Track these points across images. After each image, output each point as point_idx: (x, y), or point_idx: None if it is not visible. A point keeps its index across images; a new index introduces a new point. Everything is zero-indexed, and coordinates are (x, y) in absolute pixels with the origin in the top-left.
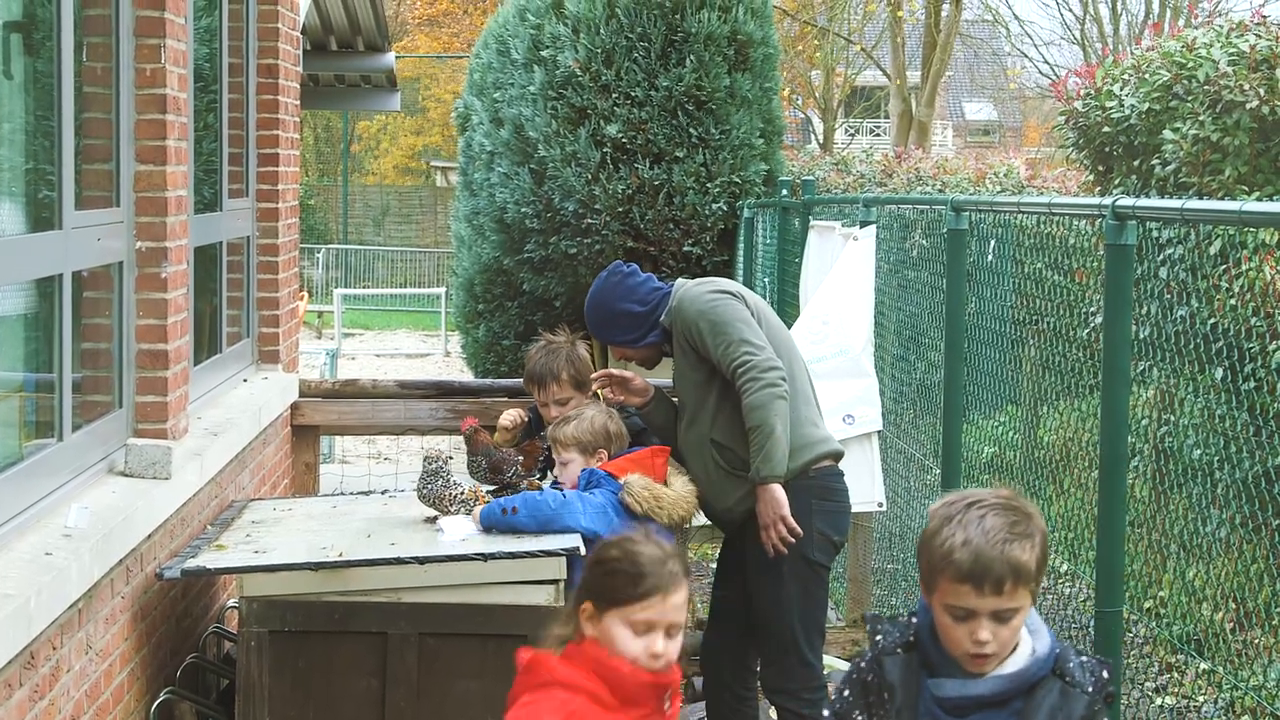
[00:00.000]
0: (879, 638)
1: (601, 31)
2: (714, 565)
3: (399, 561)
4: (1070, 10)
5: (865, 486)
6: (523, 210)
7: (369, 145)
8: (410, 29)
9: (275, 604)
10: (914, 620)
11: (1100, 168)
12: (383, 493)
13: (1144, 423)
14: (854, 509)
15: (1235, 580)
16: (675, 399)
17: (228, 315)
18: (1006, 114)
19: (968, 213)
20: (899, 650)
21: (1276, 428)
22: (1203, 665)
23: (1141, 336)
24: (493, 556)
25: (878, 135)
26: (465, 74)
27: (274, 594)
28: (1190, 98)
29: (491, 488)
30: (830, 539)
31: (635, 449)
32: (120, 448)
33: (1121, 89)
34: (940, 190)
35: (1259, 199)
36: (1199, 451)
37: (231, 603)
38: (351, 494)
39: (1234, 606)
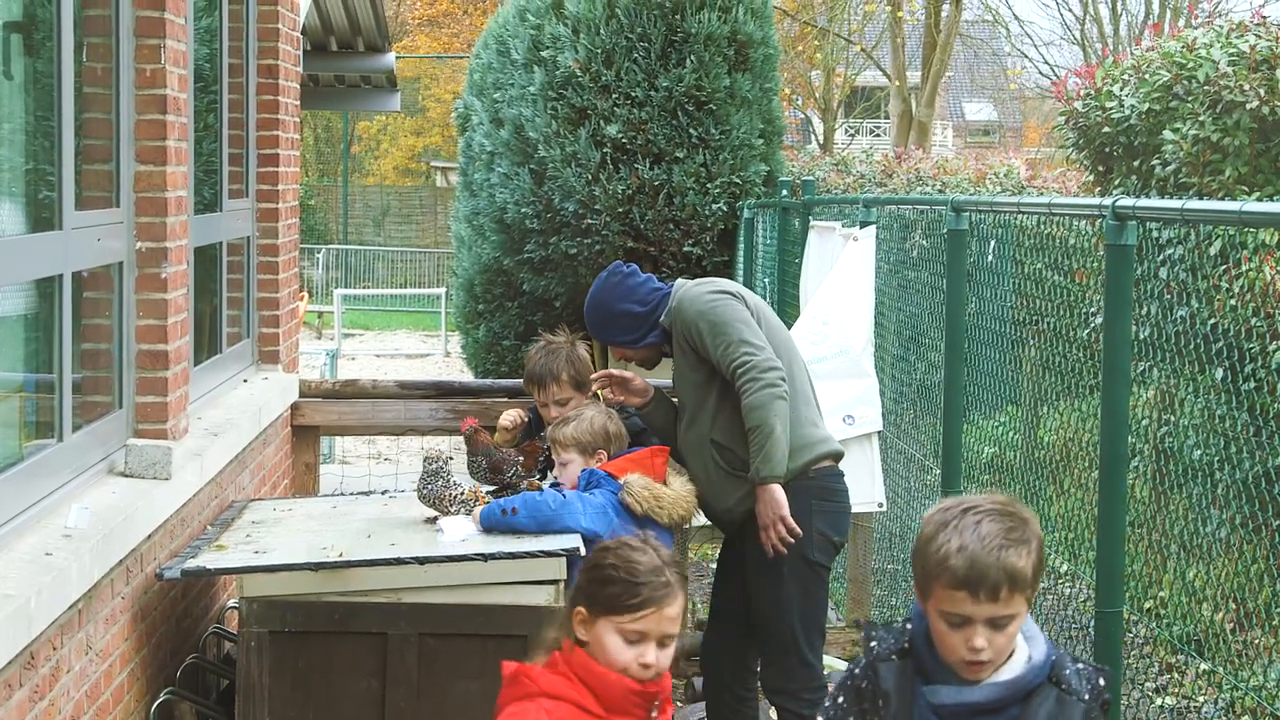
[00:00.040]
0: (874, 644)
1: (601, 32)
2: (714, 565)
3: (399, 562)
4: (1070, 10)
5: (865, 487)
6: (523, 210)
7: (369, 146)
8: (410, 29)
9: (275, 604)
10: (909, 627)
11: (1100, 168)
12: (383, 493)
13: (1144, 423)
14: (854, 509)
15: (1235, 581)
16: (675, 399)
17: (228, 315)
18: (1006, 114)
19: (968, 213)
20: (894, 657)
21: (1277, 428)
22: (1203, 666)
23: (1142, 337)
24: (493, 557)
25: (878, 136)
26: (465, 74)
27: (274, 594)
28: (1190, 98)
29: (491, 488)
30: (830, 539)
31: (635, 449)
32: (120, 448)
33: (1121, 89)
34: (940, 191)
35: (1259, 199)
36: (1199, 452)
37: (231, 603)
38: (351, 494)
39: (1234, 607)
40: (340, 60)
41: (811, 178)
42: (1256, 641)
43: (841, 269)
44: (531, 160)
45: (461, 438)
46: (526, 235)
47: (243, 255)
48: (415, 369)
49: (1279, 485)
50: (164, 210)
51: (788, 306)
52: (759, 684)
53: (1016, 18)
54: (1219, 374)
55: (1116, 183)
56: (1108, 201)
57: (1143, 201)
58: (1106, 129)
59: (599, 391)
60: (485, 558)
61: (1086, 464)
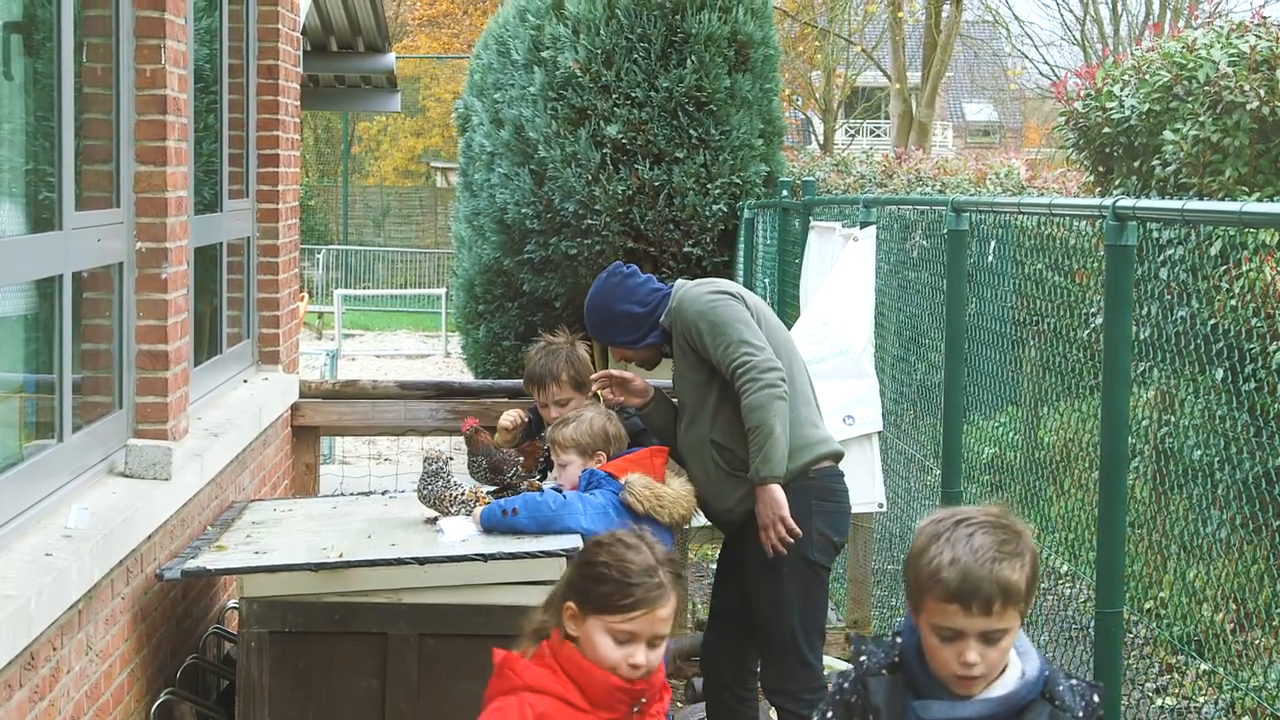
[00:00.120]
0: (863, 658)
1: (601, 32)
2: (714, 565)
3: (399, 562)
4: (1070, 11)
5: (865, 487)
6: (523, 211)
7: (369, 146)
8: (410, 29)
9: (275, 605)
10: (899, 640)
11: (1100, 168)
12: (383, 493)
13: (1144, 423)
14: (854, 510)
15: (1235, 581)
16: (675, 400)
17: (228, 316)
18: (1007, 115)
19: (968, 213)
20: (884, 671)
21: (1277, 428)
22: (1203, 666)
23: (1142, 337)
24: (493, 557)
25: (878, 136)
26: (465, 74)
27: (274, 595)
28: (1190, 98)
29: (492, 488)
30: (830, 540)
31: (634, 449)
32: (120, 448)
33: (1122, 90)
34: (940, 191)
35: (1259, 200)
36: (1199, 452)
37: (232, 603)
38: (352, 495)
39: (1234, 607)
40: (340, 60)
41: (812, 178)
42: (1257, 642)
43: (842, 269)
44: (532, 161)
45: (462, 438)
46: (527, 236)
47: (243, 255)
48: (415, 369)
49: (1279, 486)
50: (164, 211)
51: (788, 307)
52: (759, 684)
53: (1017, 18)
54: (1219, 374)
55: (1117, 183)
56: (1108, 202)
57: (1143, 202)
58: (1107, 129)
59: (599, 392)
60: (485, 558)
61: (1087, 464)
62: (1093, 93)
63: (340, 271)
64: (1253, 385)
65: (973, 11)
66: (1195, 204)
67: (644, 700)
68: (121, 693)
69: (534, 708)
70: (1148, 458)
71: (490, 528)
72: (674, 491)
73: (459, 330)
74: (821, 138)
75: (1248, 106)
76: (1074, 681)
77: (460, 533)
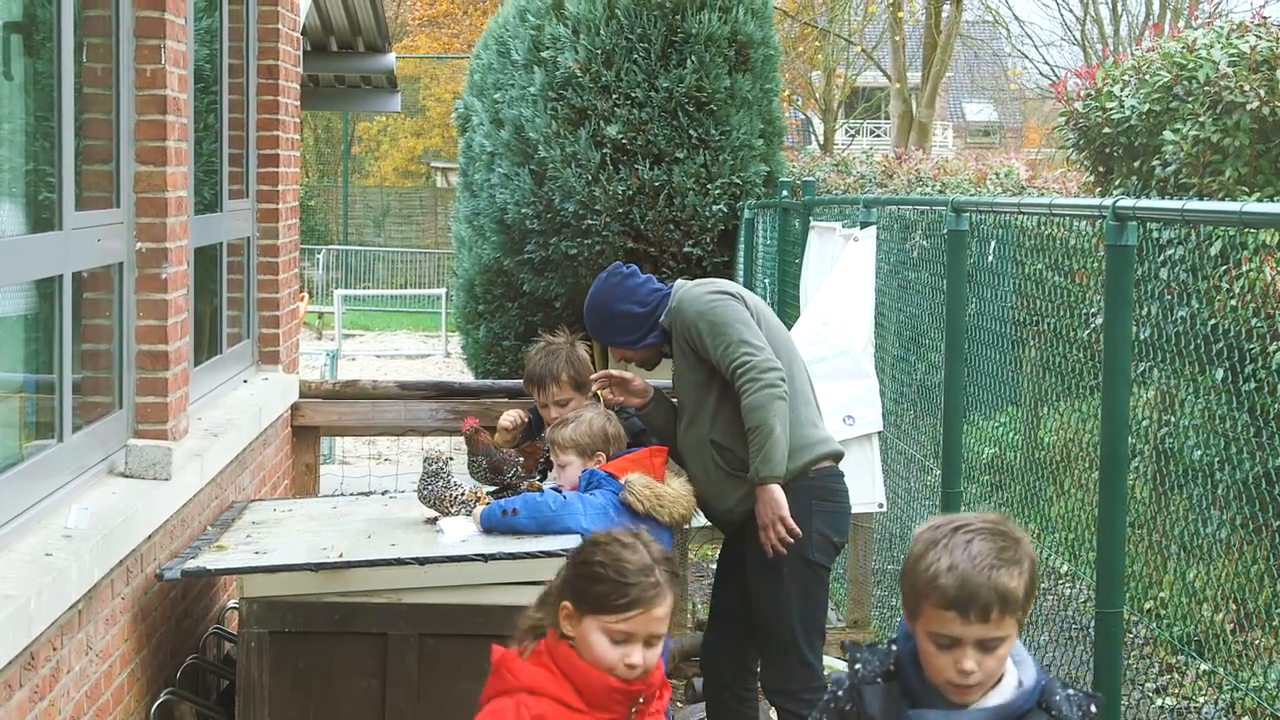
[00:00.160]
0: (858, 666)
1: (601, 32)
2: (714, 565)
3: (399, 562)
4: (1070, 11)
5: (865, 487)
6: (523, 211)
7: (369, 146)
8: (410, 29)
9: (275, 605)
10: (894, 648)
11: (1100, 169)
12: (383, 493)
13: (1144, 424)
14: (854, 510)
15: (1235, 581)
16: (675, 400)
17: (228, 316)
18: (1007, 115)
19: (968, 214)
20: (879, 680)
21: (1277, 429)
22: (1203, 666)
23: (1142, 337)
24: (493, 557)
25: (878, 136)
26: (465, 75)
27: (274, 595)
28: (1190, 99)
29: (492, 488)
30: (830, 540)
31: (634, 449)
32: (120, 448)
33: (1122, 90)
34: (940, 191)
35: (1259, 200)
36: (1199, 452)
37: (232, 603)
38: (352, 495)
39: (1234, 607)
40: (340, 60)
41: (812, 178)
42: (1257, 642)
43: (842, 269)
44: (532, 161)
45: (462, 438)
46: (527, 236)
47: (243, 256)
48: (415, 369)
49: (1279, 486)
50: (164, 211)
51: (788, 307)
52: (759, 684)
53: (1017, 18)
54: (1219, 374)
55: (1117, 183)
56: (1108, 202)
57: (1143, 202)
58: (1107, 130)
59: (599, 392)
60: (485, 558)
61: (1087, 464)
62: (1093, 93)
63: (340, 271)
64: (1253, 385)
65: (973, 11)
66: (1195, 204)
67: (642, 700)
68: (121, 693)
69: (530, 709)
70: (1148, 458)
71: (490, 528)
72: (674, 491)
73: (459, 330)
74: (821, 138)
75: (1248, 107)
76: (1071, 691)
77: (460, 533)
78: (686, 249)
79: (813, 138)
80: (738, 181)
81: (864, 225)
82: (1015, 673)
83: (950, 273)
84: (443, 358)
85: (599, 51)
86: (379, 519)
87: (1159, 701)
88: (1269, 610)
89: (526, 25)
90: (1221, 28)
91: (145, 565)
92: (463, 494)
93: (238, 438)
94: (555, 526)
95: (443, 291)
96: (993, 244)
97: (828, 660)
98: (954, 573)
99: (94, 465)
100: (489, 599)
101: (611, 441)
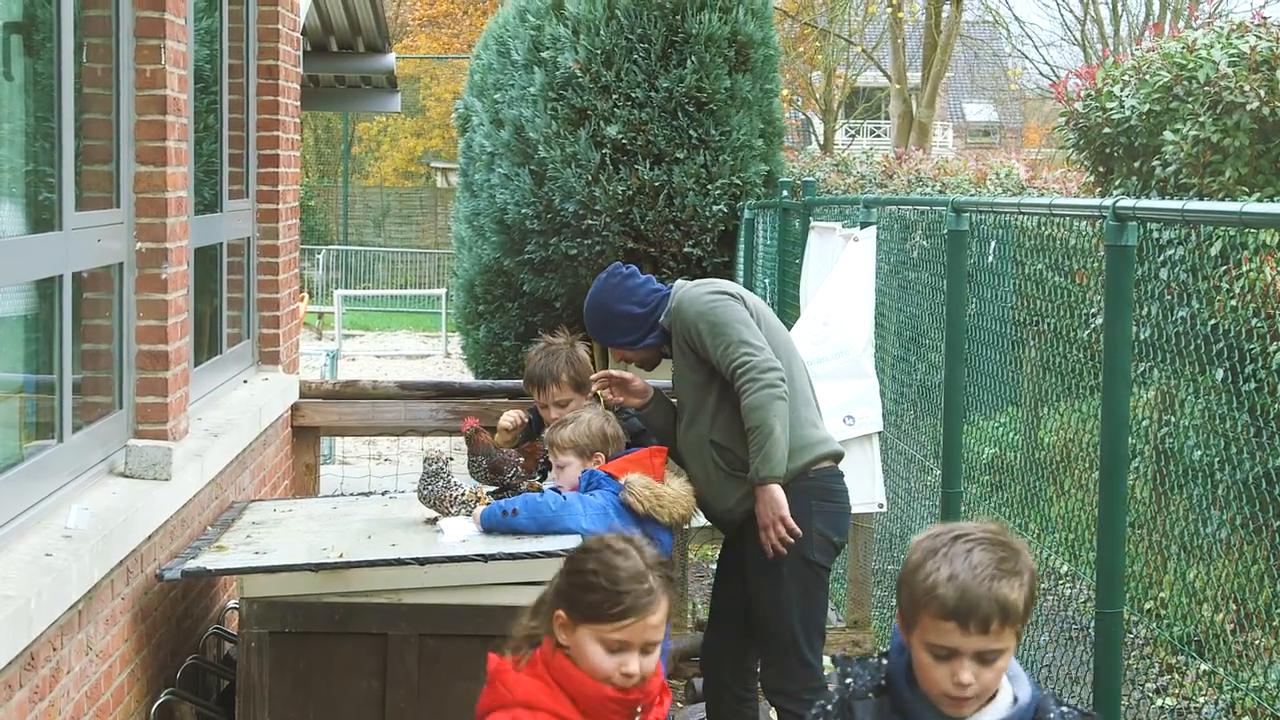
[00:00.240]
0: (849, 680)
1: (601, 33)
2: (714, 565)
3: (399, 562)
4: (1071, 11)
5: (865, 487)
6: (523, 211)
7: (369, 147)
8: (410, 29)
9: (276, 605)
10: (884, 662)
11: (1100, 169)
12: (383, 494)
13: (1144, 424)
14: (854, 510)
15: (1236, 581)
16: (675, 400)
17: (228, 316)
18: (1007, 115)
19: (968, 214)
20: (870, 694)
21: (1277, 429)
22: (1203, 666)
23: (1142, 337)
24: (493, 558)
25: (878, 136)
26: (465, 75)
27: (274, 595)
28: (1190, 99)
29: (492, 489)
30: (830, 540)
31: (633, 449)
32: (120, 449)
33: (1122, 90)
34: (940, 191)
35: (1259, 200)
36: (1199, 452)
37: (232, 604)
38: (352, 495)
39: (1234, 608)
40: (340, 61)
41: (812, 178)
42: (1257, 642)
43: (842, 270)
44: (532, 161)
45: (462, 438)
46: (527, 236)
47: (243, 256)
48: (415, 370)
49: (1279, 486)
50: (164, 211)
51: (788, 307)
52: (759, 684)
53: (1017, 18)
54: (1219, 375)
55: (1117, 183)
56: (1108, 202)
57: (1143, 202)
58: (1107, 130)
59: (599, 392)
60: (485, 558)
61: (1087, 465)
62: (1093, 93)
63: (340, 272)
64: (1253, 385)
65: (973, 11)
66: (1195, 204)
67: (640, 709)
68: (121, 693)
69: None
70: (1148, 458)
71: (490, 528)
72: (674, 491)
73: (459, 330)
74: (822, 138)
75: (1248, 107)
76: (1065, 708)
77: (460, 533)
78: (686, 249)
79: (813, 138)
80: (738, 182)
81: (864, 225)
82: (1010, 689)
83: (950, 273)
84: (443, 358)
85: (599, 52)
86: (379, 519)
87: (1159, 701)
88: (1269, 610)
89: (526, 25)
90: (1221, 28)
91: (145, 565)
92: (463, 494)
93: (238, 438)
94: (555, 527)
95: (443, 292)
96: (993, 244)
97: (827, 660)
98: (954, 583)
99: (94, 465)
100: (489, 599)
101: (610, 442)
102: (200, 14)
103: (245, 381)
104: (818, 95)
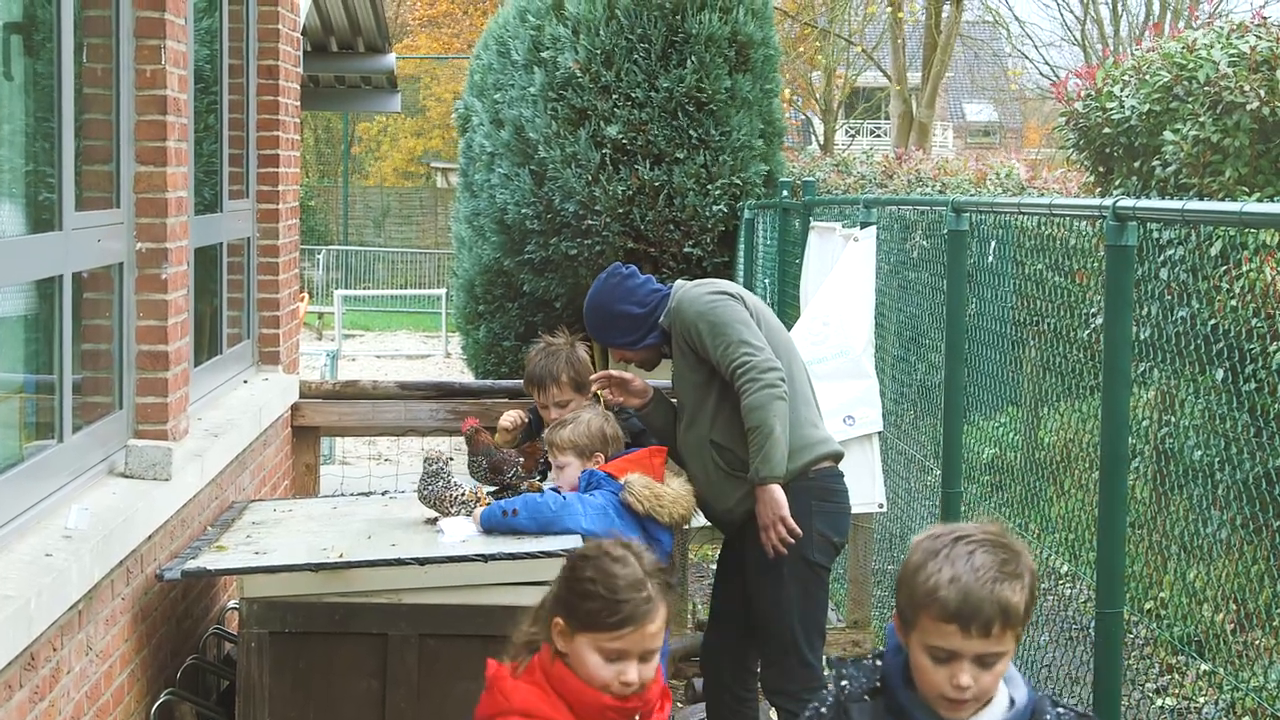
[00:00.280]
0: (845, 683)
1: (601, 33)
2: (714, 565)
3: (399, 563)
4: (1071, 11)
5: (865, 487)
6: (523, 211)
7: (369, 147)
8: (411, 29)
9: (276, 605)
10: (879, 664)
11: (1101, 169)
12: (383, 494)
13: (1144, 424)
14: (854, 510)
15: (1236, 581)
16: (674, 400)
17: (228, 316)
18: (1007, 115)
19: (968, 214)
20: (865, 697)
21: (1277, 429)
22: (1203, 666)
23: (1142, 337)
24: (493, 558)
25: (878, 136)
26: (465, 75)
27: (274, 595)
28: (1191, 99)
29: (492, 489)
30: (830, 540)
31: (633, 449)
32: (120, 449)
33: (1122, 90)
34: (940, 191)
35: (1259, 200)
36: (1200, 453)
37: (232, 604)
38: (352, 495)
39: (1235, 608)
40: (340, 61)
41: (812, 178)
42: (1257, 642)
43: (842, 270)
44: (532, 161)
45: (462, 438)
46: (527, 236)
47: (243, 256)
48: (416, 370)
49: (1279, 486)
50: (164, 211)
51: (788, 307)
52: (759, 685)
53: (1017, 18)
54: (1219, 375)
55: (1117, 183)
56: (1108, 202)
57: (1143, 202)
58: (1107, 130)
59: (599, 393)
60: (485, 559)
61: (1087, 465)
62: (1093, 93)
63: (340, 272)
64: (1253, 385)
65: (973, 12)
66: (1195, 204)
67: (639, 717)
68: (122, 693)
69: None
70: (1148, 458)
71: (490, 528)
72: (674, 491)
73: (459, 330)
74: (822, 138)
75: (1248, 107)
76: (1062, 710)
77: (460, 533)
78: (686, 249)
79: (813, 138)
80: (738, 182)
81: (864, 225)
82: (1006, 692)
83: (950, 273)
84: (443, 358)
85: (599, 52)
86: (379, 519)
87: (1159, 702)
88: (1269, 610)
89: (526, 25)
90: (1221, 28)
91: (145, 566)
92: (463, 494)
93: (238, 438)
94: (555, 527)
95: (443, 292)
96: (993, 244)
97: (827, 660)
98: (956, 585)
99: (94, 465)
100: (489, 599)
101: (609, 442)
102: (200, 14)
103: (245, 381)
104: (818, 95)
